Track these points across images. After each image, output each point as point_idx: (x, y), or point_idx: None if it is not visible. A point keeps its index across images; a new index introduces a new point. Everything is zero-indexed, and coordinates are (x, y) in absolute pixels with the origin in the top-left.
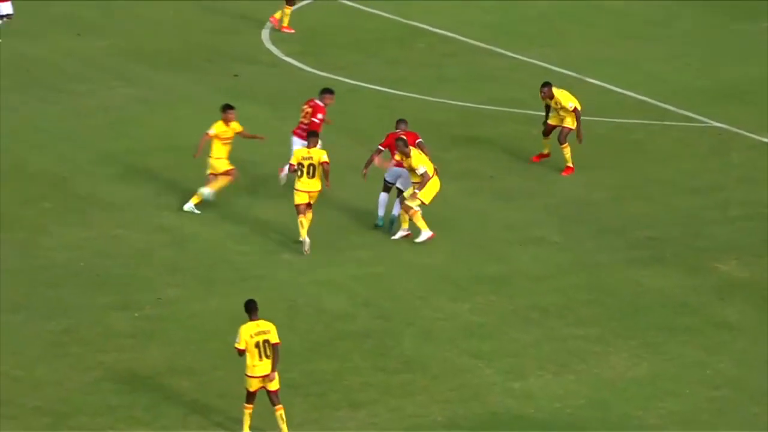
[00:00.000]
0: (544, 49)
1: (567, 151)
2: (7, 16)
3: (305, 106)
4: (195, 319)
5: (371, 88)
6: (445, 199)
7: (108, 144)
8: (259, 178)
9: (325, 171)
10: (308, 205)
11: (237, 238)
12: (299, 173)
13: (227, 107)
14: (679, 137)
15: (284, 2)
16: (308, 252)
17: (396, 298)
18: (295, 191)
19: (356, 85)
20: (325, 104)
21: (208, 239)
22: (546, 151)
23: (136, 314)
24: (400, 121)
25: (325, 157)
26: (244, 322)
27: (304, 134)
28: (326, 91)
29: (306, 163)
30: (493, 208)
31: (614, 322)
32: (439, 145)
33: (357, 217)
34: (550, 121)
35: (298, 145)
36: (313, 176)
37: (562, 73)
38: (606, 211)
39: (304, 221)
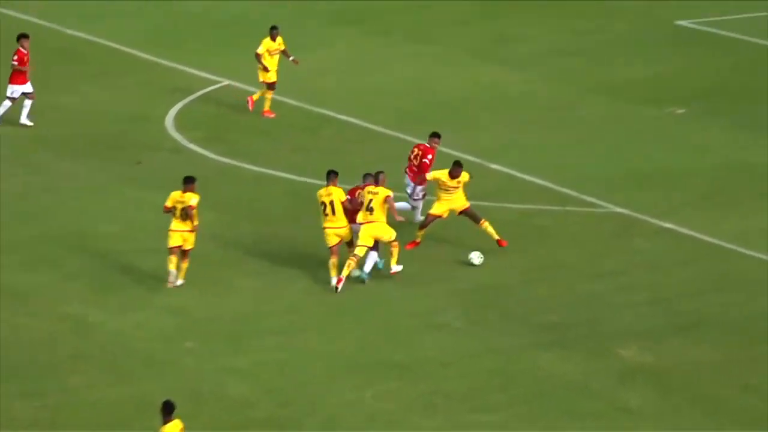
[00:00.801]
0: (448, 135)
1: (488, 226)
2: None
3: (415, 149)
4: (98, 406)
5: (279, 176)
6: (351, 285)
7: (12, 232)
8: (162, 265)
9: (344, 207)
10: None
11: (141, 325)
12: (324, 212)
13: (187, 179)
14: (583, 223)
15: (265, 87)
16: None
17: (300, 386)
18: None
19: (263, 172)
20: (433, 147)
21: (112, 327)
22: (419, 240)
23: (38, 403)
24: (367, 175)
25: (343, 195)
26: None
27: (414, 175)
28: (434, 135)
29: (327, 200)
30: (399, 294)
31: (518, 407)
32: None
33: (262, 303)
34: (434, 211)
35: (410, 185)
36: (335, 213)
37: (466, 159)
38: (511, 296)
39: (335, 261)
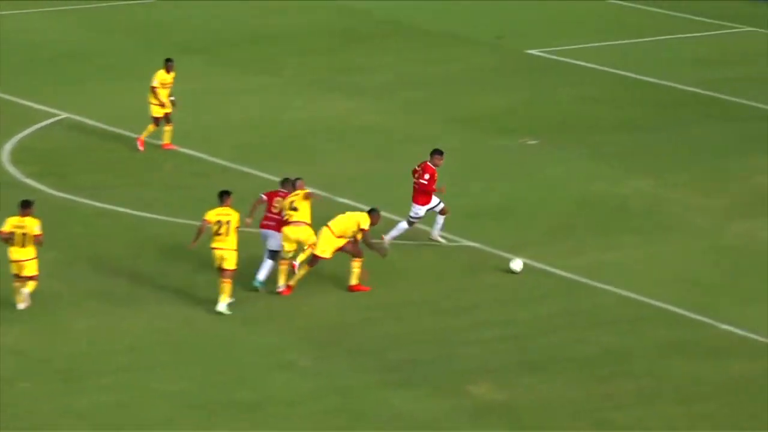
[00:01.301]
0: (295, 167)
1: (357, 265)
2: None
3: (417, 168)
4: None
5: (119, 211)
6: (191, 323)
7: None
8: None
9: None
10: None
11: None
12: (216, 232)
13: (25, 204)
14: (434, 257)
15: (165, 121)
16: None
17: (139, 427)
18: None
19: (103, 207)
20: (436, 165)
21: None
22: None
23: None
24: (285, 181)
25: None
26: None
27: (415, 195)
28: (436, 152)
29: (224, 220)
30: (244, 331)
31: None
32: (189, 268)
33: (102, 342)
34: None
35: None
36: (228, 234)
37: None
38: (359, 333)
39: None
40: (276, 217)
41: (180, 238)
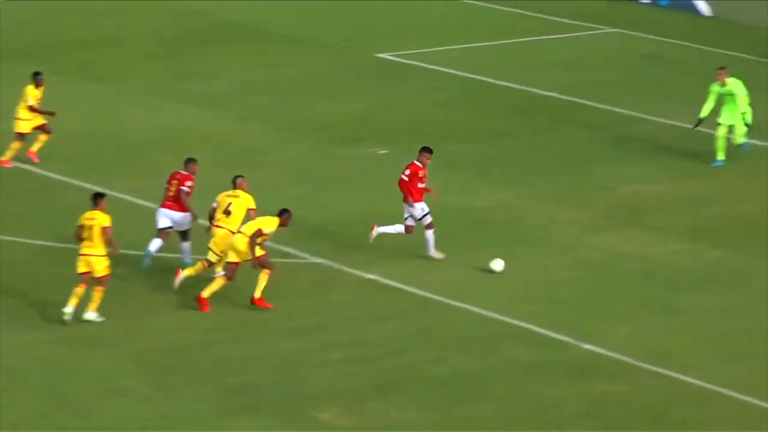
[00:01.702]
0: (133, 181)
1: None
2: None
3: (407, 168)
4: None
5: None
6: (16, 348)
7: None
8: None
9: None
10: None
11: None
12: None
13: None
14: (279, 275)
15: (42, 132)
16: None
17: None
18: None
19: None
20: (423, 163)
21: None
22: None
23: None
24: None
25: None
26: None
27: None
28: (424, 150)
29: (88, 224)
30: (73, 356)
31: None
32: (18, 288)
33: None
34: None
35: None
36: (92, 240)
37: (144, 206)
38: (199, 357)
39: (80, 291)
40: (171, 196)
41: (14, 255)
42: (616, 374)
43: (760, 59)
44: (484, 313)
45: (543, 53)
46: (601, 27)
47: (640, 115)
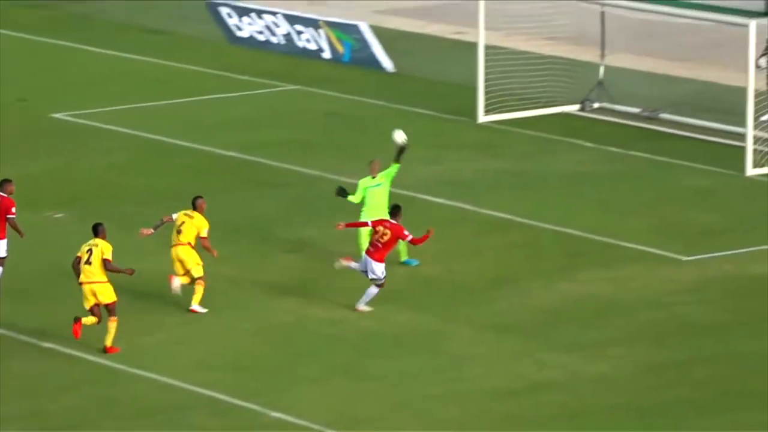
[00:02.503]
0: None
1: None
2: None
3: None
4: None
5: None
6: None
7: None
8: None
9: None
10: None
11: None
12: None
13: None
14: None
15: None
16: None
17: None
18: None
19: None
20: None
21: None
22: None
23: None
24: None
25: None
26: None
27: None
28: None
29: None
30: None
31: None
32: None
33: None
34: None
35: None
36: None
37: None
38: None
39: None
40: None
41: None
42: None
43: (444, 115)
44: (167, 381)
45: (224, 111)
46: (284, 84)
47: (322, 174)
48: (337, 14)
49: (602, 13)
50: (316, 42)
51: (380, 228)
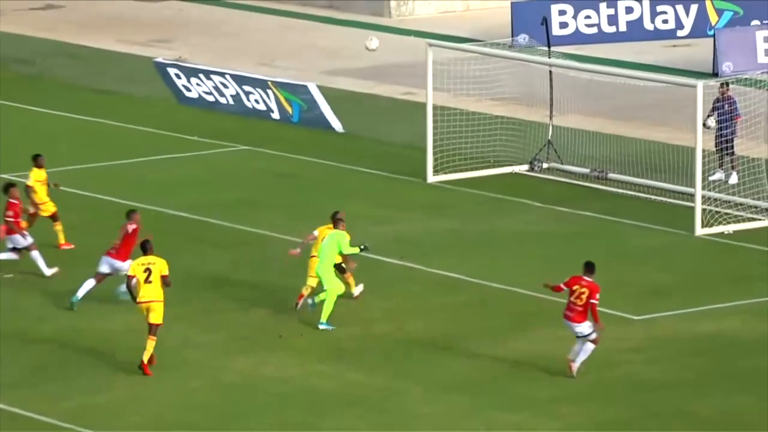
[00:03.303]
0: None
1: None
2: None
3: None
4: None
5: None
6: None
7: None
8: None
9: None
10: None
11: None
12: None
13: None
14: None
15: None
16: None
17: None
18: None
19: None
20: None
21: None
22: None
23: None
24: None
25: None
26: None
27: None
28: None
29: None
30: None
31: None
32: None
33: None
34: None
35: None
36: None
37: None
38: None
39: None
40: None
41: None
42: None
43: (393, 175)
44: None
45: (173, 171)
46: (233, 144)
47: (271, 233)
48: (286, 75)
49: (550, 73)
50: (265, 102)
51: (576, 287)
